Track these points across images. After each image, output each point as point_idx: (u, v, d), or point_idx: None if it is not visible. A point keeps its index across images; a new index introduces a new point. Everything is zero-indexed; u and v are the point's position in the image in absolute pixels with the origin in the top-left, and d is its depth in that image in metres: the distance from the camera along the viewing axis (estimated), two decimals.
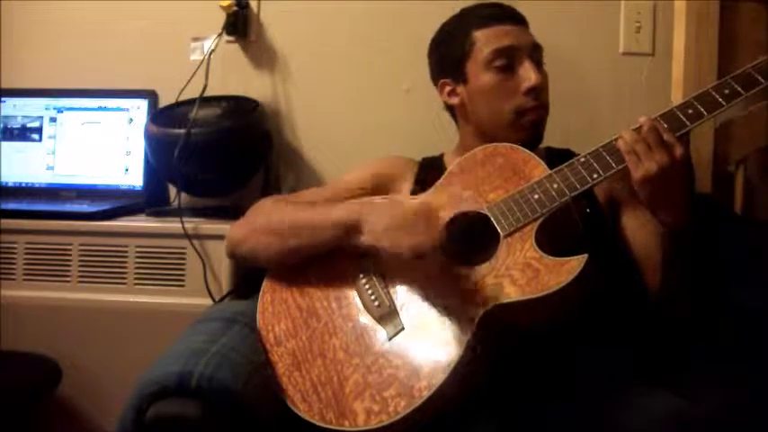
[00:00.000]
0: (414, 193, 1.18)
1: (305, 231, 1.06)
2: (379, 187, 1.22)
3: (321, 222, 1.04)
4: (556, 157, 1.12)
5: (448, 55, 1.22)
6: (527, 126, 1.15)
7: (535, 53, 1.16)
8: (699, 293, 1.05)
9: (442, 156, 1.28)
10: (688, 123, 0.97)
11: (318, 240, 1.05)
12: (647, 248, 1.12)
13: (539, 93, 1.14)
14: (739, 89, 0.96)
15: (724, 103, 0.96)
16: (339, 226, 1.02)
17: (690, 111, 0.97)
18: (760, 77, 0.96)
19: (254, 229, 1.11)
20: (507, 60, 1.14)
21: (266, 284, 1.10)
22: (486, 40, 1.16)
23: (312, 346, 1.00)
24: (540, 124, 1.17)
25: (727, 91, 0.97)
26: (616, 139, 0.99)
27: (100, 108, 1.63)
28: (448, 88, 1.23)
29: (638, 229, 1.15)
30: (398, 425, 0.88)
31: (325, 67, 1.61)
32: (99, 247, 1.38)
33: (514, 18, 1.18)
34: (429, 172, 1.22)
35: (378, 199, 1.12)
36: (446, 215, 1.04)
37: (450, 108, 1.26)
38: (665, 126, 0.96)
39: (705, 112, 0.96)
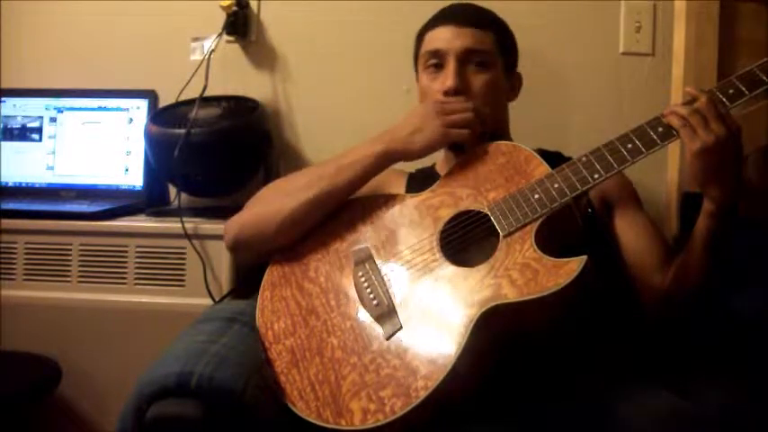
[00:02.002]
0: None
1: (327, 176, 1.09)
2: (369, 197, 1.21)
3: (348, 159, 1.09)
4: (547, 160, 1.12)
5: (414, 54, 1.26)
6: None
7: (472, 57, 1.14)
8: (710, 290, 1.05)
9: (433, 165, 1.27)
10: (746, 91, 0.97)
11: (344, 180, 1.08)
12: (641, 250, 1.13)
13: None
14: (743, 89, 0.97)
15: (747, 92, 0.97)
16: (369, 156, 1.08)
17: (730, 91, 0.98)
18: (765, 77, 0.97)
19: (260, 203, 1.13)
20: (437, 61, 1.16)
21: (266, 281, 1.10)
22: (426, 42, 1.20)
23: (310, 345, 1.00)
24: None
25: (731, 91, 0.97)
26: (619, 138, 0.99)
27: (100, 108, 1.63)
28: (417, 85, 1.26)
29: (631, 231, 1.15)
30: (395, 425, 0.88)
31: (325, 67, 1.61)
32: (99, 247, 1.38)
33: (461, 20, 1.16)
34: (420, 183, 1.19)
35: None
36: (446, 214, 1.04)
37: None
38: (721, 98, 0.97)
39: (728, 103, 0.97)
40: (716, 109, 0.95)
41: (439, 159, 1.27)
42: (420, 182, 1.20)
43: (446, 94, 1.13)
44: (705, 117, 0.95)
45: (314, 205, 1.09)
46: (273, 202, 1.12)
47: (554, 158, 1.19)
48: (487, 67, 1.16)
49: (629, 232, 1.15)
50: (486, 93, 1.15)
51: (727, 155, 0.95)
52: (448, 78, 1.13)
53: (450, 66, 1.13)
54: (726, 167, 0.96)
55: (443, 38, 1.16)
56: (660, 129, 0.98)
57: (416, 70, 1.25)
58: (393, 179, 1.23)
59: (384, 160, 1.10)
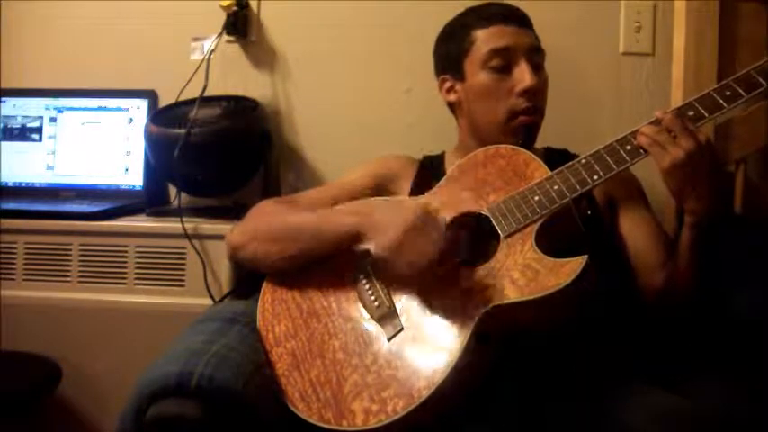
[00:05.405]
0: (411, 193, 1.19)
1: (307, 238, 1.05)
2: (381, 187, 1.21)
3: (324, 229, 1.03)
4: (555, 157, 1.12)
5: (449, 52, 1.23)
6: (519, 129, 1.15)
7: (534, 56, 1.16)
8: (703, 291, 1.05)
9: (443, 154, 1.28)
10: (706, 114, 0.97)
11: (321, 247, 1.04)
12: (643, 248, 1.13)
13: (533, 95, 1.14)
14: (741, 91, 0.97)
15: (726, 105, 0.97)
16: (343, 235, 1.01)
17: (691, 113, 0.98)
18: (761, 79, 0.97)
19: (254, 235, 1.09)
20: (503, 61, 1.15)
21: (266, 285, 1.10)
22: (484, 40, 1.16)
23: (311, 347, 1.00)
24: (532, 128, 1.16)
25: (728, 93, 0.97)
26: (618, 140, 1.00)
27: (100, 108, 1.63)
28: (447, 84, 1.24)
29: (634, 229, 1.16)
30: (397, 425, 0.88)
31: (325, 67, 1.61)
32: (99, 247, 1.38)
33: (517, 19, 1.18)
34: (429, 171, 1.22)
35: (380, 201, 1.12)
36: (447, 216, 1.04)
37: (450, 105, 1.26)
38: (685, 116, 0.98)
39: (707, 114, 0.97)
40: (682, 123, 0.96)
41: (449, 150, 1.29)
42: (428, 170, 1.22)
43: (526, 92, 1.13)
44: (672, 133, 0.96)
45: (296, 260, 1.06)
46: (264, 241, 1.08)
47: (561, 156, 1.20)
48: (542, 66, 1.19)
49: (633, 231, 1.16)
50: (545, 91, 1.19)
51: (699, 168, 0.96)
52: (527, 76, 1.13)
53: (524, 64, 1.14)
54: (700, 181, 0.97)
55: (509, 36, 1.15)
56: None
57: (453, 69, 1.22)
58: (402, 169, 1.24)
59: (349, 241, 1.01)
